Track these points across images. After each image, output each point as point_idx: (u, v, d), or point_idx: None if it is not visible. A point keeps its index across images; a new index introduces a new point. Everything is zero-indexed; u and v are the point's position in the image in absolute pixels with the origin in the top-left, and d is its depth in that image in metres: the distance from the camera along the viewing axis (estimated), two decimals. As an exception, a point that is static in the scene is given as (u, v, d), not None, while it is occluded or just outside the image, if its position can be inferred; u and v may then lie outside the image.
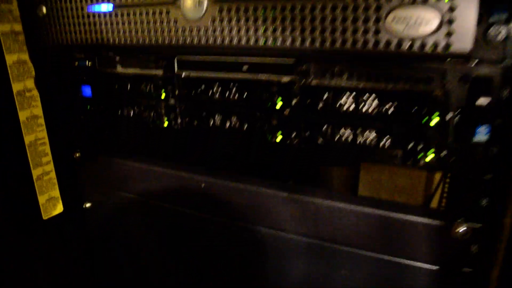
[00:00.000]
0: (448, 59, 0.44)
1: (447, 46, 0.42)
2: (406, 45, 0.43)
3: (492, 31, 0.42)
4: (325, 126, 0.53)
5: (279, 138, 0.56)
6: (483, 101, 0.44)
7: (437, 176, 0.84)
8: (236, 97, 0.58)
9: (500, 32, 0.42)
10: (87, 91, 0.72)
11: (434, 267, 0.54)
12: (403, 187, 0.82)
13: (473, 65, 0.44)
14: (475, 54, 0.43)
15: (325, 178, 0.69)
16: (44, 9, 0.66)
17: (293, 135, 0.55)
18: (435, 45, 0.42)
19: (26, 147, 0.73)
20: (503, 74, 0.43)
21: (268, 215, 0.62)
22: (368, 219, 0.56)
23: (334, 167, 0.68)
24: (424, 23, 0.42)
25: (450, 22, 0.41)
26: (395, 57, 0.45)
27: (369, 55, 0.45)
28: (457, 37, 0.41)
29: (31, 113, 0.73)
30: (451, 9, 0.40)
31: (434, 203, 0.86)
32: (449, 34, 0.41)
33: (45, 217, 0.78)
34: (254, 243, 0.64)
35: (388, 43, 0.44)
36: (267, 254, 0.64)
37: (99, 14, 0.60)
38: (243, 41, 0.51)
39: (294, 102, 0.54)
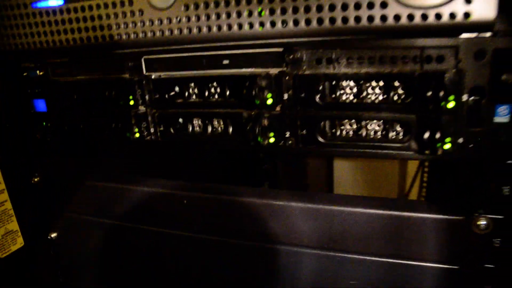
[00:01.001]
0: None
1: (467, 15, 0.36)
2: (418, 18, 0.37)
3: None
4: (325, 122, 0.46)
5: (272, 139, 0.48)
6: (507, 76, 0.39)
7: (410, 166, 0.80)
8: (217, 97, 0.50)
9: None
10: (41, 105, 0.63)
11: (454, 267, 0.49)
12: (378, 181, 0.78)
13: (492, 37, 0.38)
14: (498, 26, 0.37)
15: (299, 177, 0.63)
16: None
17: (287, 135, 0.48)
18: (453, 15, 0.36)
19: (-27, 176, 0.63)
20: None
21: (251, 225, 0.54)
22: (378, 221, 0.50)
23: (309, 166, 0.63)
24: (438, -11, 0.36)
25: (469, -15, 0.35)
26: (404, 33, 0.39)
27: (376, 33, 0.39)
28: (478, 3, 0.35)
29: (-24, 135, 0.63)
30: (469, -30, 0.35)
31: (413, 195, 0.83)
32: (468, 1, 0.35)
33: (2, 255, 0.68)
34: (243, 257, 0.57)
35: (397, 16, 0.37)
36: (254, 267, 0.57)
37: (47, 10, 0.51)
38: (224, 29, 0.43)
39: (286, 96, 0.47)
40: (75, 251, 0.72)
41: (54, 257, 0.74)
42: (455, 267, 0.49)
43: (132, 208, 0.62)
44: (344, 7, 0.39)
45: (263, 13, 0.41)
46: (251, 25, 0.43)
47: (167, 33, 0.46)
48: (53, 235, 0.73)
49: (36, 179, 0.70)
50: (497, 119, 0.41)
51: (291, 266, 0.54)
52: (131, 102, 0.54)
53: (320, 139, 0.47)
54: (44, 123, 0.64)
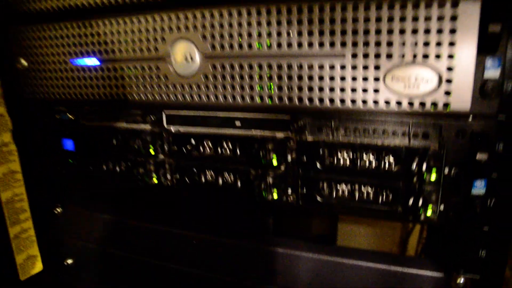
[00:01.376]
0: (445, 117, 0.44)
1: (446, 105, 0.42)
2: (405, 104, 0.43)
3: (487, 87, 0.43)
4: (322, 184, 0.52)
5: (275, 195, 0.54)
6: (480, 156, 0.44)
7: (411, 225, 0.85)
8: (228, 153, 0.56)
9: (495, 87, 0.43)
10: (69, 144, 0.69)
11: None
12: (381, 236, 0.83)
13: (469, 121, 0.44)
14: (475, 110, 0.43)
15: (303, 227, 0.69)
16: (24, 62, 0.63)
17: (289, 193, 0.54)
18: (435, 104, 0.42)
19: (3, 204, 0.69)
20: (498, 129, 0.44)
21: (257, 271, 0.60)
22: (369, 273, 0.55)
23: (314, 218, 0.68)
24: (423, 82, 0.42)
25: (449, 81, 0.41)
26: (394, 113, 0.45)
27: (368, 113, 0.45)
28: (456, 96, 0.41)
29: (8, 169, 0.69)
30: (449, 69, 0.41)
31: (411, 251, 0.87)
32: (447, 93, 0.42)
33: (22, 277, 0.73)
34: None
35: (387, 102, 0.44)
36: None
37: (83, 68, 0.58)
38: (238, 99, 0.50)
39: (290, 159, 0.53)
40: (88, 277, 0.78)
41: (69, 282, 0.80)
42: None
43: (143, 244, 0.68)
44: (342, 90, 0.45)
45: (272, 90, 0.48)
46: (261, 98, 0.49)
47: (187, 97, 0.53)
48: (69, 261, 0.79)
49: (58, 209, 0.77)
50: (475, 191, 0.47)
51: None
52: (152, 152, 0.60)
53: (318, 198, 0.53)
54: (71, 161, 0.70)
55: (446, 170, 0.47)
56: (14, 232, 0.72)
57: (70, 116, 0.67)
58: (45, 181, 0.75)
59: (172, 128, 0.59)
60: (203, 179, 0.59)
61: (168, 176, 0.61)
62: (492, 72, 0.42)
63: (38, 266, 0.77)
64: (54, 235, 0.78)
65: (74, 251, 0.78)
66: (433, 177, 0.47)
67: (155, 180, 0.61)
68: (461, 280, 0.51)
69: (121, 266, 0.73)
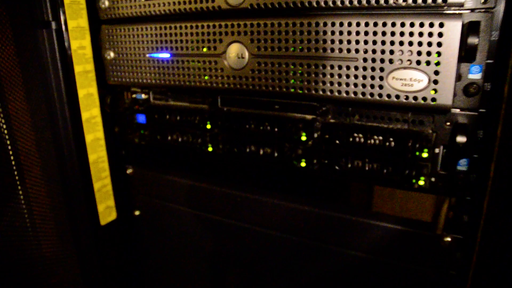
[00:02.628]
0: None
1: (434, 99, 0.55)
2: (403, 98, 0.57)
3: (471, 87, 0.56)
4: (340, 156, 0.67)
5: (303, 164, 0.70)
6: (460, 139, 0.57)
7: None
8: (268, 129, 0.72)
9: (477, 87, 0.56)
10: (141, 118, 0.87)
11: (427, 269, 0.67)
12: (414, 206, 0.95)
13: (456, 112, 0.58)
14: (457, 104, 0.57)
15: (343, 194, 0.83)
16: (112, 54, 0.81)
17: (314, 162, 0.69)
18: (425, 99, 0.56)
19: (90, 164, 0.88)
20: (478, 120, 0.57)
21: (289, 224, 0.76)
22: (376, 230, 0.69)
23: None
24: (416, 82, 0.55)
25: (435, 82, 0.54)
26: (396, 106, 0.59)
27: (375, 103, 0.59)
28: (441, 93, 0.55)
29: (94, 136, 0.88)
30: (436, 72, 0.54)
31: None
32: (435, 91, 0.55)
33: (102, 223, 0.93)
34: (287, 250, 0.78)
35: (388, 96, 0.57)
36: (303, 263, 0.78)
37: (158, 60, 0.75)
38: (277, 88, 0.65)
39: (316, 136, 0.68)
40: (152, 227, 0.97)
41: (137, 230, 0.99)
42: (428, 269, 0.67)
43: (196, 199, 0.85)
44: (355, 85, 0.59)
45: (302, 83, 0.63)
46: (294, 88, 0.64)
47: (238, 85, 0.68)
48: (137, 213, 0.98)
49: (129, 170, 0.95)
50: (459, 168, 0.60)
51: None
52: (208, 126, 0.77)
53: (337, 167, 0.68)
54: (142, 131, 0.88)
55: (436, 150, 0.60)
56: (97, 187, 0.91)
57: (144, 96, 0.84)
58: (122, 147, 0.94)
59: (225, 108, 0.75)
60: (247, 150, 0.75)
61: (221, 146, 0.77)
62: (475, 76, 0.55)
63: (113, 215, 0.96)
64: (126, 190, 0.97)
65: (141, 205, 0.97)
66: (425, 154, 0.61)
67: (210, 149, 0.78)
68: (448, 239, 0.65)
69: (179, 218, 0.91)
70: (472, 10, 0.53)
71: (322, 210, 0.72)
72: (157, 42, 0.74)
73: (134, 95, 0.86)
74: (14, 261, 0.80)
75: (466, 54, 0.53)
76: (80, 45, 0.81)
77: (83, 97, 0.84)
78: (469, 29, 0.52)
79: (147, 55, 0.76)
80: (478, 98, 0.56)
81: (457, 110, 0.58)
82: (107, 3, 0.77)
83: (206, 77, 0.71)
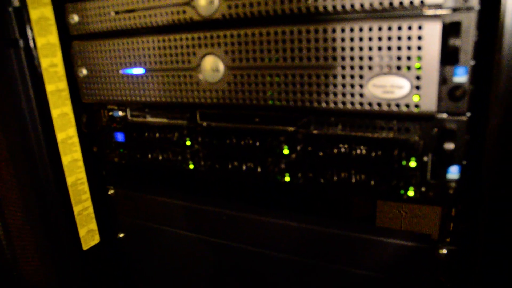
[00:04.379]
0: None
1: (417, 106, 0.52)
2: (384, 106, 0.54)
3: (456, 91, 0.53)
4: (325, 169, 0.64)
5: (287, 178, 0.67)
6: (447, 145, 0.54)
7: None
8: (250, 143, 0.69)
9: (462, 91, 0.53)
10: (120, 137, 0.84)
11: (422, 283, 0.64)
12: (420, 218, 0.93)
13: (442, 118, 0.55)
14: (443, 109, 0.54)
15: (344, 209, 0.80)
16: (84, 71, 0.78)
17: (299, 176, 0.66)
18: (407, 106, 0.53)
19: (68, 187, 0.85)
20: (465, 125, 0.54)
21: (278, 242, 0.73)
22: (366, 244, 0.66)
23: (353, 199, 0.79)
24: (397, 88, 0.53)
25: (418, 88, 0.52)
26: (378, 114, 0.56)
27: (358, 112, 0.56)
28: (424, 99, 0.52)
29: (72, 157, 0.85)
30: (418, 78, 0.51)
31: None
32: (418, 97, 0.52)
33: (85, 247, 0.89)
34: (269, 267, 0.75)
35: (370, 104, 0.54)
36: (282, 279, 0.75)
37: (132, 76, 0.72)
38: (254, 101, 0.62)
39: (298, 148, 0.64)
40: (137, 248, 0.93)
41: (121, 253, 0.95)
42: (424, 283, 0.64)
43: (180, 219, 0.82)
44: (335, 94, 0.56)
45: (282, 94, 0.60)
46: (273, 100, 0.61)
47: (215, 99, 0.65)
48: (121, 235, 0.94)
49: (111, 191, 0.92)
50: (449, 176, 0.57)
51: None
52: (188, 143, 0.74)
53: (322, 180, 0.64)
54: (122, 150, 0.85)
55: (425, 158, 0.57)
56: (77, 210, 0.87)
57: (121, 114, 0.81)
58: (102, 167, 0.91)
59: (204, 123, 0.72)
60: (229, 165, 0.71)
61: (202, 163, 0.74)
62: (460, 78, 0.52)
63: (96, 238, 0.92)
64: (109, 213, 0.93)
65: (125, 226, 0.93)
66: (413, 163, 0.58)
67: (191, 166, 0.75)
68: (443, 251, 0.61)
69: (165, 239, 0.87)
70: (453, 10, 0.50)
71: (309, 225, 0.69)
72: (130, 57, 0.71)
73: (111, 113, 0.83)
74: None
75: (449, 56, 0.50)
76: (51, 62, 0.78)
77: (57, 117, 0.81)
78: (450, 30, 0.49)
79: (121, 71, 0.73)
80: (466, 101, 0.53)
81: (444, 115, 0.55)
82: (76, 18, 0.74)
83: (183, 92, 0.68)
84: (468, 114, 0.54)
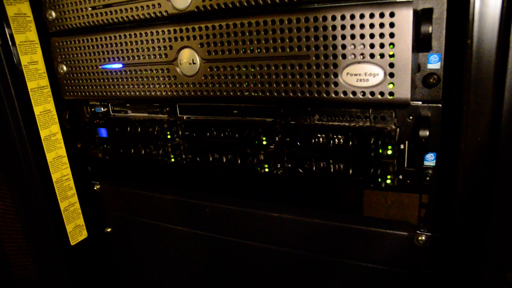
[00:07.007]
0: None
1: (392, 93, 0.52)
2: (359, 94, 0.54)
3: (429, 78, 0.53)
4: (303, 159, 0.64)
5: (267, 169, 0.67)
6: (422, 133, 0.54)
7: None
8: (229, 135, 0.69)
9: (436, 78, 0.53)
10: (103, 132, 0.84)
11: (402, 270, 0.64)
12: (406, 206, 0.93)
13: (417, 105, 0.55)
14: (417, 97, 0.54)
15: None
16: (65, 67, 0.77)
17: (278, 166, 0.66)
18: (382, 94, 0.53)
19: (54, 184, 0.85)
20: (440, 112, 0.54)
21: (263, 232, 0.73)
22: (349, 232, 0.66)
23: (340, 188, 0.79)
24: (371, 76, 0.52)
25: (392, 75, 0.51)
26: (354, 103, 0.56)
27: (331, 102, 0.56)
28: (398, 86, 0.52)
29: (56, 154, 0.85)
30: (391, 65, 0.51)
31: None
32: (391, 85, 0.52)
33: (72, 243, 0.89)
34: (254, 257, 0.75)
35: (345, 93, 0.54)
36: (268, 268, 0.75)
37: (111, 71, 0.72)
38: (231, 92, 0.62)
39: (277, 139, 0.64)
40: (124, 242, 0.93)
41: (109, 247, 0.96)
42: (404, 270, 0.65)
43: (164, 212, 0.82)
44: (310, 84, 0.56)
45: (258, 85, 0.60)
46: (249, 92, 0.61)
47: (192, 92, 0.65)
48: (108, 229, 0.95)
49: (97, 187, 0.92)
50: (426, 163, 0.57)
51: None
52: (169, 136, 0.74)
53: (300, 170, 0.64)
54: (105, 145, 0.85)
55: (402, 146, 0.57)
56: (64, 206, 0.87)
57: (103, 109, 0.81)
58: (87, 163, 0.91)
59: (184, 117, 0.72)
60: (210, 158, 0.71)
61: (183, 156, 0.74)
62: (434, 65, 0.52)
63: (84, 234, 0.93)
64: (95, 208, 0.93)
65: (112, 221, 0.93)
66: (389, 151, 0.58)
67: (172, 160, 0.75)
68: (422, 238, 0.62)
69: (152, 232, 0.87)
70: (424, -4, 0.50)
71: (289, 215, 0.69)
72: (108, 52, 0.71)
73: (93, 109, 0.82)
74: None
75: (421, 43, 0.50)
76: (31, 60, 0.78)
77: (40, 114, 0.81)
78: (422, 17, 0.49)
79: (100, 67, 0.73)
80: (440, 88, 0.53)
81: (419, 103, 0.55)
82: (54, 14, 0.73)
83: (161, 86, 0.68)
84: (444, 101, 0.54)
